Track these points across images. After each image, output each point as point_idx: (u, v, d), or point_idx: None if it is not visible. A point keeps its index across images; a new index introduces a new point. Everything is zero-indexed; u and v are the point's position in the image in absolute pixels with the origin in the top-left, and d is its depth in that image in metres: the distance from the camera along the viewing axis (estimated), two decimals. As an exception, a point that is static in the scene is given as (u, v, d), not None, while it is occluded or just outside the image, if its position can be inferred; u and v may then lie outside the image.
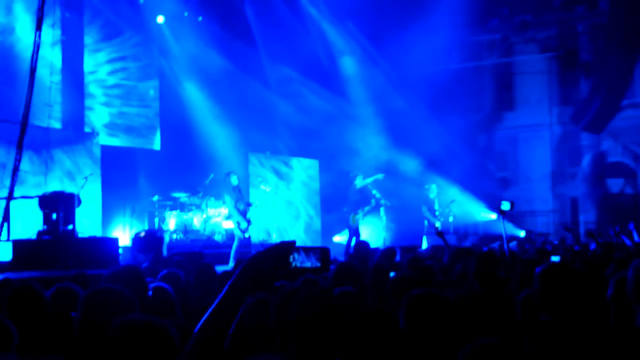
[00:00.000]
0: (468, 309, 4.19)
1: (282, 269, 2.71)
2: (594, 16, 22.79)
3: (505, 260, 6.97)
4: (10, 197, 9.70)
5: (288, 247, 2.73)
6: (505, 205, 10.19)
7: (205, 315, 2.58)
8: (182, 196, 17.12)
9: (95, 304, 3.16)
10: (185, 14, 19.19)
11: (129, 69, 18.50)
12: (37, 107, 11.35)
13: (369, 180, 16.36)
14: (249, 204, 14.04)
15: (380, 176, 16.51)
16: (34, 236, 11.71)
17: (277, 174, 20.16)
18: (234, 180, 14.29)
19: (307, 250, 2.82)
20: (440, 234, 11.62)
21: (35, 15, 9.76)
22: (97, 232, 15.23)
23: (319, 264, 2.83)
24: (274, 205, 18.55)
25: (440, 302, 3.57)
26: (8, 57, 15.62)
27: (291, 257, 2.73)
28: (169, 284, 5.14)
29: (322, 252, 2.90)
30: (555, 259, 10.34)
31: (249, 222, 13.95)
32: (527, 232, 20.95)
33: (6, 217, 9.74)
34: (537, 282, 3.73)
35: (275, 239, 17.36)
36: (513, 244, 17.27)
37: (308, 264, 2.79)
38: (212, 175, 17.27)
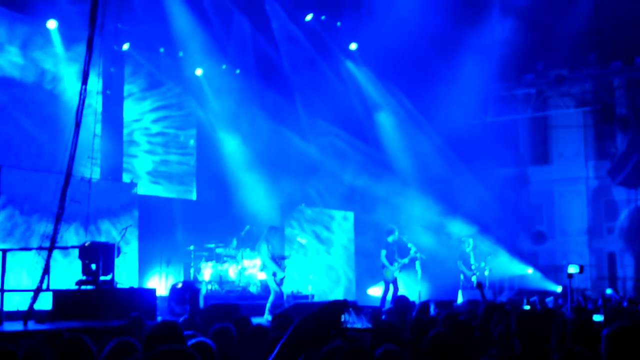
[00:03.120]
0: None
1: (334, 329, 2.74)
2: (630, 71, 22.78)
3: (549, 319, 6.91)
4: (52, 247, 9.85)
5: (340, 306, 2.76)
6: (573, 269, 10.13)
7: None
8: (217, 247, 17.21)
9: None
10: (223, 66, 19.56)
11: (172, 117, 18.89)
12: (80, 157, 11.57)
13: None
14: (283, 257, 14.04)
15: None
16: (71, 286, 11.86)
17: (318, 238, 20.27)
18: (276, 235, 14.29)
19: (357, 310, 2.84)
20: (480, 285, 11.55)
21: (82, 68, 10.02)
22: (134, 283, 15.36)
23: (370, 325, 2.84)
24: (310, 257, 18.58)
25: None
26: (57, 105, 16.02)
27: (343, 316, 2.76)
28: (219, 339, 5.17)
29: (372, 312, 2.93)
30: (598, 318, 10.19)
31: (283, 276, 13.92)
32: (564, 287, 20.69)
33: (47, 267, 9.88)
34: (605, 343, 3.70)
35: (310, 291, 17.33)
36: (550, 299, 17.10)
37: (359, 325, 2.80)
38: (247, 227, 17.37)
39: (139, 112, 18.31)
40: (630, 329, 3.78)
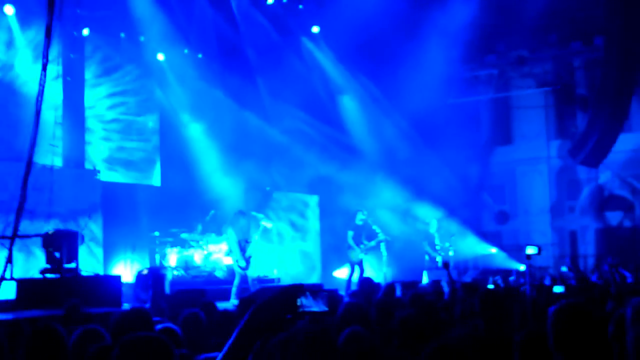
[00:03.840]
0: (476, 351, 4.22)
1: (291, 313, 2.76)
2: (590, 51, 23.04)
3: (511, 298, 7.02)
4: (14, 236, 9.76)
5: (295, 291, 2.79)
6: (531, 250, 10.36)
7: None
8: (182, 232, 17.16)
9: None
10: (185, 51, 19.42)
11: (128, 103, 18.71)
12: (40, 145, 11.45)
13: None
14: (247, 241, 14.05)
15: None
16: (34, 275, 11.77)
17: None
18: (243, 219, 14.28)
19: (314, 293, 2.86)
20: (446, 265, 11.68)
21: (38, 54, 9.92)
22: (99, 270, 15.27)
23: (326, 308, 2.87)
24: (280, 243, 18.62)
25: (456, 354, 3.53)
26: (9, 93, 15.80)
27: (299, 301, 2.78)
28: (188, 325, 5.19)
29: (329, 296, 2.95)
30: (558, 289, 10.40)
31: (247, 259, 13.94)
32: (527, 266, 20.95)
33: (10, 256, 9.79)
34: (552, 322, 3.72)
35: (276, 274, 17.38)
36: (512, 278, 17.35)
37: (316, 308, 2.82)
38: (212, 212, 17.36)
39: (97, 98, 18.11)
40: (575, 306, 3.83)
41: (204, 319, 6.08)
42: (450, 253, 18.45)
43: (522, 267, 20.70)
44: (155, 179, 19.14)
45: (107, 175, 17.66)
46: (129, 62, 18.72)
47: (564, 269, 20.64)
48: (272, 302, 2.74)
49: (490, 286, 13.54)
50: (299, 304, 2.77)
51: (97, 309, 9.50)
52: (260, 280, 15.60)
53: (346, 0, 18.63)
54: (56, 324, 4.35)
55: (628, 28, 18.68)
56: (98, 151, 18.00)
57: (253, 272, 14.16)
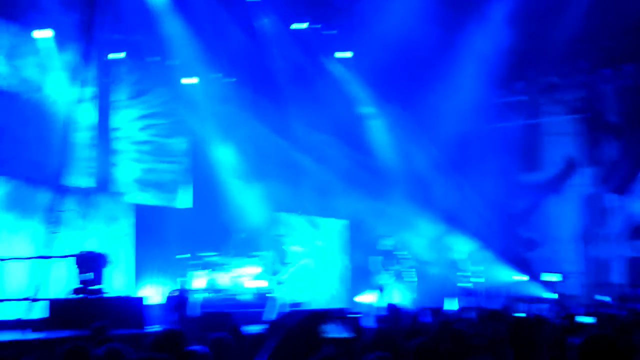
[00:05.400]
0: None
1: (318, 339, 2.79)
2: (621, 78, 22.91)
3: (540, 327, 6.98)
4: (48, 257, 9.90)
5: (322, 317, 2.82)
6: (556, 277, 10.30)
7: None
8: (211, 255, 17.25)
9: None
10: (217, 75, 19.62)
11: (159, 125, 18.93)
12: (73, 166, 11.63)
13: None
14: (285, 264, 14.17)
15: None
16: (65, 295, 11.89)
17: (313, 224, 20.30)
18: (278, 244, 14.47)
19: (340, 320, 2.91)
20: (471, 293, 11.63)
21: (71, 77, 10.08)
22: (131, 292, 15.39)
23: (352, 334, 2.90)
24: (305, 265, 18.61)
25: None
26: (41, 114, 16.01)
27: (326, 327, 2.81)
28: (217, 348, 5.23)
29: (354, 322, 2.98)
30: (588, 320, 10.29)
31: (280, 283, 14.03)
32: (559, 295, 20.77)
33: (43, 277, 9.94)
34: (578, 354, 3.72)
35: (305, 298, 17.39)
36: (545, 307, 17.21)
37: (342, 334, 2.86)
38: (242, 234, 17.46)
39: (127, 120, 18.34)
40: (601, 338, 3.81)
41: (232, 342, 6.12)
42: (481, 280, 18.35)
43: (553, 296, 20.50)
44: (186, 201, 19.29)
45: (137, 195, 17.84)
46: (160, 85, 18.96)
47: (606, 298, 20.33)
48: (301, 328, 2.78)
49: (521, 314, 13.43)
50: (325, 330, 2.81)
51: (119, 330, 9.56)
52: (291, 305, 15.62)
53: (378, 25, 18.73)
54: (85, 344, 4.40)
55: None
56: (129, 172, 18.21)
57: (287, 297, 14.20)
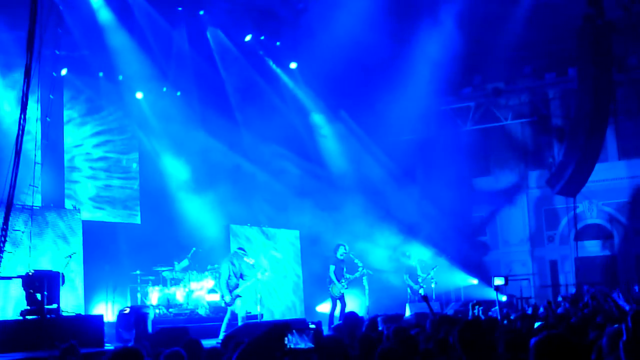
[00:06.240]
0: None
1: (279, 351, 2.83)
2: (565, 82, 23.38)
3: (492, 328, 7.07)
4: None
5: (282, 329, 2.85)
6: (499, 281, 10.50)
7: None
8: (163, 270, 17.11)
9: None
10: (164, 89, 19.51)
11: (114, 141, 18.76)
12: (20, 185, 11.45)
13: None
14: (240, 279, 14.12)
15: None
16: (15, 317, 11.67)
17: (266, 235, 20.26)
18: (236, 258, 14.42)
19: (300, 331, 2.94)
20: (425, 298, 11.71)
21: (19, 95, 9.96)
22: (81, 310, 15.16)
23: (312, 345, 2.94)
24: (260, 277, 18.56)
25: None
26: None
27: (286, 339, 2.85)
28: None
29: (315, 333, 3.02)
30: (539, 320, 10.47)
31: (235, 297, 13.97)
32: (509, 296, 21.06)
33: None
34: (533, 354, 3.78)
35: (260, 311, 17.32)
36: (494, 309, 17.38)
37: (302, 345, 2.90)
38: (193, 249, 17.36)
39: (80, 138, 18.18)
40: (556, 337, 3.88)
41: (185, 357, 6.07)
42: (432, 285, 18.51)
43: (503, 298, 20.77)
44: (138, 217, 19.13)
45: (92, 212, 17.64)
46: (110, 101, 18.80)
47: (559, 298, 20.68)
48: (261, 340, 2.80)
49: (472, 317, 13.59)
50: (285, 341, 2.83)
51: (80, 349, 9.42)
52: (246, 317, 15.57)
53: (325, 35, 18.83)
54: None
55: (598, 59, 19.05)
56: (85, 189, 18.01)
57: (241, 311, 14.15)
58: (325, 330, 11.75)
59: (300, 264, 21.26)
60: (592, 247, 23.65)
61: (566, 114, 23.60)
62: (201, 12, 19.16)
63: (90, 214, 17.65)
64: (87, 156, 18.25)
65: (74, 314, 12.77)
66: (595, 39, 19.06)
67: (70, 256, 14.50)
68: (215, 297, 16.49)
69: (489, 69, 23.18)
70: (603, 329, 7.05)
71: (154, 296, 16.75)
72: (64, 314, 11.80)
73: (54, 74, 17.29)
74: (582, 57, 19.79)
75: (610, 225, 23.48)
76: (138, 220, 19.05)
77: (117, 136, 18.94)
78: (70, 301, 14.74)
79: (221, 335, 12.94)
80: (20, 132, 9.92)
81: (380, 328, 10.06)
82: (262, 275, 15.23)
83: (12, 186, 9.99)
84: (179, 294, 16.93)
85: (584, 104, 19.92)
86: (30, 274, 11.77)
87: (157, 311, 16.22)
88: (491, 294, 21.41)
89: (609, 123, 20.92)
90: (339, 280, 15.94)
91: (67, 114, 17.98)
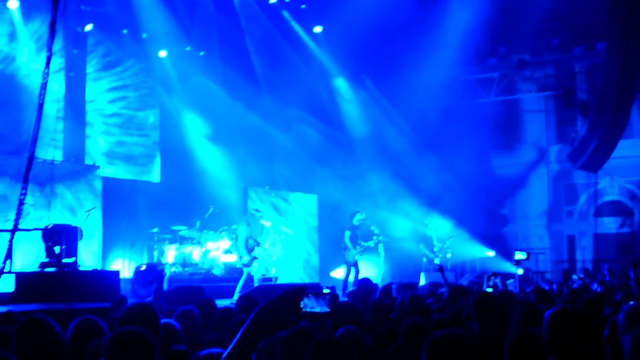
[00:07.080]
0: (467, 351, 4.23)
1: (294, 314, 2.82)
2: (592, 56, 23.05)
3: (507, 302, 7.06)
4: (15, 230, 9.80)
5: (299, 292, 2.84)
6: (520, 255, 10.45)
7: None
8: (181, 229, 17.19)
9: (118, 349, 3.22)
10: (188, 48, 19.46)
11: (129, 97, 18.74)
12: (41, 138, 11.48)
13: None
14: (257, 243, 14.16)
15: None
16: (34, 268, 11.81)
17: (276, 209, 20.23)
18: (252, 220, 14.48)
19: (317, 295, 2.93)
20: (440, 269, 11.72)
21: (42, 46, 9.97)
22: (98, 265, 15.32)
23: (328, 309, 2.93)
24: (273, 239, 18.61)
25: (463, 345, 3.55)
26: (11, 85, 15.83)
27: (302, 302, 2.84)
28: (183, 321, 5.24)
29: (331, 297, 3.01)
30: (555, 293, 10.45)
31: (252, 259, 14.04)
32: (525, 269, 20.98)
33: (10, 250, 9.84)
34: (546, 326, 3.78)
35: (274, 274, 17.41)
36: (510, 281, 17.38)
37: (318, 309, 2.89)
38: (211, 209, 17.40)
39: (96, 93, 18.14)
40: (570, 311, 3.89)
41: (198, 315, 6.12)
42: (448, 255, 18.50)
43: (519, 271, 20.71)
44: (155, 175, 19.17)
45: (106, 169, 17.70)
46: (130, 57, 18.76)
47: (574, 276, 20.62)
48: (277, 303, 2.80)
49: (489, 289, 13.59)
50: (301, 305, 2.83)
51: (95, 303, 9.53)
52: (261, 280, 15.66)
53: (349, 0, 18.66)
54: (45, 316, 4.34)
55: (629, 33, 18.72)
56: (98, 145, 18.04)
57: (257, 273, 14.22)
58: (339, 296, 11.80)
59: (317, 230, 21.27)
60: (611, 224, 23.48)
61: (592, 89, 23.30)
62: (226, -28, 19.04)
63: (103, 169, 17.67)
64: (100, 111, 18.23)
65: (91, 269, 12.89)
66: (627, 12, 18.72)
67: (89, 211, 14.60)
68: (231, 258, 16.57)
69: (515, 40, 22.89)
70: (619, 306, 7.02)
71: (170, 254, 16.87)
72: (81, 268, 11.91)
73: (78, 28, 17.28)
74: (612, 30, 19.46)
75: (632, 202, 23.27)
76: (151, 178, 19.08)
77: (132, 92, 18.88)
78: (88, 256, 14.90)
79: (236, 296, 13.02)
80: (43, 85, 9.92)
81: (394, 295, 10.09)
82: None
83: (34, 140, 10.03)
84: (195, 254, 17.02)
85: (611, 78, 19.63)
86: (49, 227, 11.89)
87: (173, 269, 16.35)
88: (507, 267, 21.46)
89: (634, 99, 20.65)
90: (354, 247, 15.96)
91: (88, 69, 17.98)
